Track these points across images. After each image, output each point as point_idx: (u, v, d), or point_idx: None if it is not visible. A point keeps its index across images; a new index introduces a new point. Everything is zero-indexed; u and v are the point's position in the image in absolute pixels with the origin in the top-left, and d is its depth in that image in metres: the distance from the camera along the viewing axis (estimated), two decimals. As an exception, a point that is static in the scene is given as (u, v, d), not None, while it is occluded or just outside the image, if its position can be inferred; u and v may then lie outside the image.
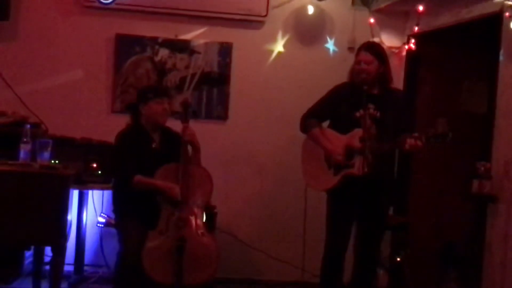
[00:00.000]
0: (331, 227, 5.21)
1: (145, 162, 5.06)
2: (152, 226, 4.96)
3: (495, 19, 5.34)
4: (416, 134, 4.87)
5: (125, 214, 5.13)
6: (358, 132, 4.96)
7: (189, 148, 5.18)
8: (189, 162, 5.11)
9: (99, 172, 5.88)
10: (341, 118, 5.12)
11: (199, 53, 6.53)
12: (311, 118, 5.22)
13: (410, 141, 4.80)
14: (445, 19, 6.08)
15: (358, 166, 4.93)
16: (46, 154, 4.84)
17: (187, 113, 5.15)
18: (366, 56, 5.09)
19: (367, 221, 5.15)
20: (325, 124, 5.30)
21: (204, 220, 5.16)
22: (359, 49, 5.20)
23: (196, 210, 5.09)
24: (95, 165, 5.88)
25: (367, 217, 5.13)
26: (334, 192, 5.12)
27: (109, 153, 5.66)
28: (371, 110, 5.01)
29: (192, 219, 5.04)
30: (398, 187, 5.14)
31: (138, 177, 5.00)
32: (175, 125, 5.27)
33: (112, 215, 5.44)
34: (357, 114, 4.99)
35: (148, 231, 4.93)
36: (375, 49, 5.18)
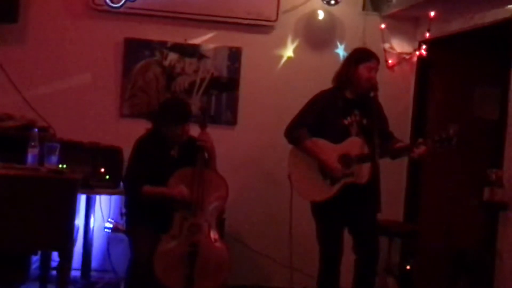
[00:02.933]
0: (325, 237, 5.21)
1: (163, 169, 5.04)
2: (164, 230, 4.95)
3: (507, 25, 5.32)
4: (421, 140, 4.98)
5: (137, 220, 5.12)
6: (354, 140, 5.03)
7: (205, 153, 5.17)
8: (205, 167, 5.09)
9: (107, 176, 5.85)
10: (328, 126, 5.09)
11: (208, 57, 6.51)
12: (299, 129, 5.14)
13: (417, 150, 4.93)
14: (457, 25, 6.05)
15: (360, 175, 4.97)
16: (54, 158, 4.82)
17: (205, 119, 5.17)
18: (376, 64, 5.14)
19: (359, 225, 5.16)
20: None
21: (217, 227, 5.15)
22: (371, 56, 5.16)
23: (210, 216, 5.07)
24: (103, 170, 5.85)
25: (358, 220, 5.13)
26: (325, 202, 5.08)
27: (119, 158, 5.68)
28: (357, 117, 5.08)
29: (206, 225, 5.02)
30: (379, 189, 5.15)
31: (146, 188, 4.98)
32: (193, 130, 5.26)
33: (120, 221, 5.42)
34: (345, 121, 5.06)
35: (160, 235, 4.92)
36: (378, 57, 5.22)
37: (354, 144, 5.04)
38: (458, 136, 4.83)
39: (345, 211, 5.09)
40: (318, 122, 5.11)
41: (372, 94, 5.04)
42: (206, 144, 5.12)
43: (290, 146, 6.32)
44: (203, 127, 5.17)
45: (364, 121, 5.08)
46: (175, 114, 5.15)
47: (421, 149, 4.93)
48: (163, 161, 5.12)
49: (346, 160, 5.02)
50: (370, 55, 5.18)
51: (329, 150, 5.05)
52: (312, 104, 5.21)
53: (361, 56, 5.17)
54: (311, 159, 5.09)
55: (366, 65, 5.10)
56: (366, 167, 4.98)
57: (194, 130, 5.22)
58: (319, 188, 5.08)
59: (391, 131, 5.29)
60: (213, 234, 5.04)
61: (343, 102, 5.07)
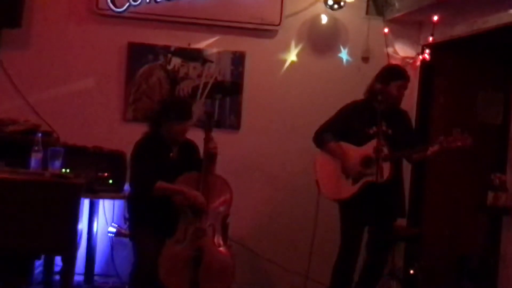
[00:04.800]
0: (346, 236, 5.45)
1: (162, 171, 5.04)
2: (168, 235, 4.95)
3: (510, 29, 5.33)
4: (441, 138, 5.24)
5: (141, 224, 5.11)
6: (375, 143, 5.22)
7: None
8: (210, 172, 5.10)
9: (110, 181, 5.85)
10: (354, 134, 5.41)
11: (211, 62, 6.51)
12: (326, 133, 5.48)
13: (432, 148, 5.21)
14: (460, 29, 6.05)
15: (380, 174, 5.16)
16: (58, 163, 4.84)
17: (210, 123, 5.18)
18: (407, 83, 5.48)
19: (377, 227, 5.43)
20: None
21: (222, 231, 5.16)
22: (404, 76, 5.48)
23: (214, 220, 5.07)
24: (106, 174, 5.85)
25: (377, 222, 5.39)
26: (351, 200, 5.33)
27: (122, 162, 5.68)
28: (384, 128, 5.32)
29: (211, 230, 5.03)
30: (403, 195, 5.56)
31: (160, 183, 4.97)
32: (196, 134, 5.27)
33: (124, 225, 5.41)
34: (371, 131, 5.33)
35: (165, 239, 4.92)
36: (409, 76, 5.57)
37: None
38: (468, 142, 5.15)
39: (367, 211, 5.32)
40: (345, 129, 5.45)
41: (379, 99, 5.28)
42: (213, 149, 5.14)
43: (293, 150, 6.36)
44: (208, 131, 5.17)
45: (390, 131, 5.35)
46: (178, 111, 5.18)
47: (436, 147, 5.20)
48: (163, 163, 5.12)
49: (367, 161, 5.29)
50: (404, 74, 5.49)
51: (352, 152, 5.38)
52: (340, 113, 5.53)
53: (394, 73, 5.48)
54: (335, 161, 5.42)
55: (397, 83, 5.40)
56: (385, 167, 5.20)
57: (198, 135, 5.21)
58: (341, 187, 5.39)
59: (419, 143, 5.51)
60: (218, 239, 5.04)
61: (371, 113, 5.31)
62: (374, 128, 5.30)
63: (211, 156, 5.13)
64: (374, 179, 5.15)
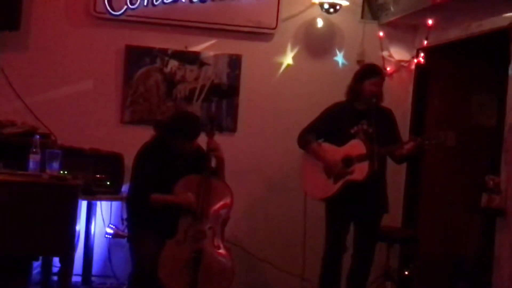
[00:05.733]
0: (329, 230, 5.58)
1: (168, 177, 5.05)
2: (168, 236, 4.97)
3: (504, 33, 5.35)
4: (412, 137, 5.49)
5: (140, 226, 5.12)
6: (355, 142, 5.41)
7: (213, 161, 5.20)
8: (212, 175, 5.13)
9: (108, 183, 5.87)
10: (337, 134, 5.51)
11: (208, 64, 6.54)
12: (309, 134, 5.59)
13: (406, 145, 5.34)
14: (455, 33, 6.08)
15: (358, 172, 5.33)
16: (55, 165, 4.84)
17: (213, 127, 5.21)
18: (381, 81, 5.53)
19: (360, 224, 5.55)
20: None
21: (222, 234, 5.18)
22: (375, 73, 5.53)
23: (214, 223, 5.09)
24: (103, 176, 5.87)
25: (360, 219, 5.52)
26: (333, 198, 5.45)
27: (120, 164, 5.72)
28: (365, 126, 5.44)
29: (210, 232, 5.05)
30: (385, 192, 5.60)
31: (155, 196, 4.99)
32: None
33: (121, 227, 5.42)
34: (352, 130, 5.45)
35: (164, 240, 4.94)
36: (384, 75, 5.67)
37: (355, 146, 5.40)
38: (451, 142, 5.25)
39: (349, 207, 5.46)
40: (328, 130, 5.57)
41: (374, 100, 5.39)
42: (217, 153, 5.17)
43: (289, 153, 6.39)
44: (210, 135, 5.19)
45: (370, 130, 5.40)
46: (188, 130, 5.14)
47: (410, 144, 5.33)
48: (169, 170, 5.12)
49: (347, 160, 5.39)
50: (377, 72, 5.54)
51: (332, 152, 5.47)
52: (323, 114, 5.64)
53: (367, 72, 5.55)
54: (318, 162, 5.51)
55: (370, 81, 5.47)
56: (364, 165, 5.31)
57: (201, 138, 5.24)
58: (323, 187, 5.49)
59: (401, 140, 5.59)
60: (217, 242, 5.06)
61: (352, 113, 5.49)
62: (355, 128, 5.44)
63: (209, 158, 5.16)
64: (355, 177, 5.32)
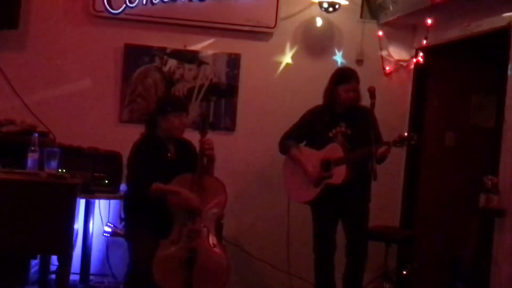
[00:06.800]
0: (316, 232, 5.71)
1: (160, 172, 5.04)
2: (163, 236, 4.96)
3: (504, 33, 5.35)
4: (384, 141, 5.47)
5: (137, 224, 5.11)
6: (333, 146, 5.50)
7: (204, 158, 5.19)
8: (205, 173, 5.12)
9: (106, 181, 5.87)
10: (316, 137, 5.60)
11: (207, 64, 6.55)
12: (289, 140, 5.70)
13: (380, 150, 5.35)
14: (454, 32, 6.08)
15: (336, 176, 5.44)
16: (54, 163, 4.84)
17: (205, 125, 5.18)
18: (356, 85, 5.54)
19: (348, 218, 5.64)
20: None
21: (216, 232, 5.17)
22: (351, 78, 5.56)
23: (209, 221, 5.08)
24: (102, 175, 5.87)
25: (347, 215, 5.63)
26: (316, 201, 5.57)
27: (118, 163, 5.71)
28: (343, 128, 5.54)
29: (205, 230, 5.03)
30: (368, 192, 5.67)
31: (156, 184, 4.98)
32: (192, 136, 5.27)
33: (119, 225, 5.41)
34: (330, 134, 5.54)
35: (159, 240, 4.92)
36: (358, 77, 5.60)
37: (333, 150, 5.50)
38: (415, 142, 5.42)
39: (334, 208, 5.60)
40: (307, 134, 5.68)
41: (370, 101, 5.36)
42: (209, 152, 5.13)
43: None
44: (203, 133, 5.18)
45: (349, 131, 5.50)
46: (174, 103, 5.30)
47: (383, 149, 5.38)
48: (161, 164, 5.12)
49: (325, 164, 5.51)
50: (349, 77, 5.56)
51: (311, 156, 5.58)
52: (301, 119, 5.74)
53: (340, 77, 5.59)
54: (298, 166, 5.63)
55: (344, 87, 5.51)
56: (342, 169, 5.42)
57: (194, 137, 5.22)
58: (304, 191, 5.61)
59: (381, 139, 5.56)
60: (212, 240, 5.04)
61: (330, 116, 5.57)
62: (334, 131, 5.53)
63: (209, 158, 5.16)
64: (335, 181, 5.42)
